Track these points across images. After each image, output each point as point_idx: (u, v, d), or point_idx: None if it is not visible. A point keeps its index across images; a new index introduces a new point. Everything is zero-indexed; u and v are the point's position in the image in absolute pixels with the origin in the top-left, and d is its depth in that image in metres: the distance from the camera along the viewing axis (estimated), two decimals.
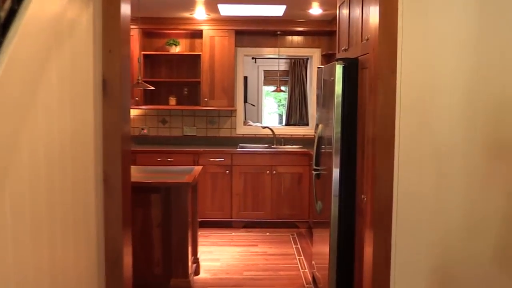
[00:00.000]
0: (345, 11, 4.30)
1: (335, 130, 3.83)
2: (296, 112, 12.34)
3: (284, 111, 14.03)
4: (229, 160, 6.79)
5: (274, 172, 6.76)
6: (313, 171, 4.57)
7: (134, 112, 7.38)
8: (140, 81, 4.99)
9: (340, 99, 3.80)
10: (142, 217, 4.51)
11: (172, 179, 4.59)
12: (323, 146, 4.44)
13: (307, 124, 12.18)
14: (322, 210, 4.41)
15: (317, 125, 4.70)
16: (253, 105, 12.80)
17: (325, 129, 4.33)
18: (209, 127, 7.46)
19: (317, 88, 4.88)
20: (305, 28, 7.04)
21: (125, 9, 3.04)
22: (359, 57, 3.69)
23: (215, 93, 7.03)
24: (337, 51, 4.70)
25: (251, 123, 11.59)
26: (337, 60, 3.86)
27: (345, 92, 3.80)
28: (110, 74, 2.78)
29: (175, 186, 4.41)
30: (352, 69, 3.77)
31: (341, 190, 3.89)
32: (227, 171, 6.77)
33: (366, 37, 3.28)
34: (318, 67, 4.77)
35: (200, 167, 5.28)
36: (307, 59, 12.21)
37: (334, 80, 3.83)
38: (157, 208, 4.50)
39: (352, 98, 3.76)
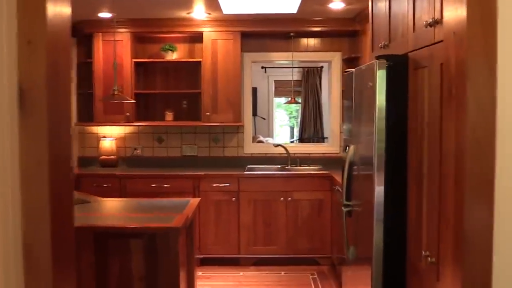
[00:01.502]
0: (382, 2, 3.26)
1: (376, 152, 2.78)
2: (310, 126, 11.31)
3: (295, 123, 13.00)
4: (236, 185, 5.73)
5: (289, 198, 5.70)
6: (343, 207, 3.49)
7: (125, 130, 6.37)
8: (116, 93, 3.97)
9: (383, 110, 2.75)
10: (120, 268, 3.46)
11: (158, 221, 3.51)
12: (355, 173, 3.37)
13: (322, 139, 11.18)
14: (356, 259, 3.33)
15: (346, 147, 3.63)
16: (264, 119, 11.79)
17: (359, 150, 3.27)
18: (213, 146, 6.42)
19: (344, 97, 3.83)
20: (323, 28, 6.00)
21: None
22: (410, 53, 2.64)
23: (219, 106, 5.99)
24: (371, 49, 3.64)
25: (261, 138, 10.56)
26: (378, 58, 2.80)
27: (390, 100, 2.75)
28: (30, 78, 1.73)
29: (161, 231, 3.35)
30: (398, 69, 2.71)
31: (386, 235, 2.82)
32: (234, 198, 5.72)
33: (432, 19, 2.21)
34: (346, 71, 3.73)
35: (197, 200, 4.23)
36: (321, 67, 11.25)
37: (374, 86, 2.78)
38: (139, 258, 3.45)
39: (400, 109, 2.70)
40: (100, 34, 5.97)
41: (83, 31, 5.99)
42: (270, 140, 10.76)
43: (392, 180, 2.78)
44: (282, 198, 5.69)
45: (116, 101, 4.15)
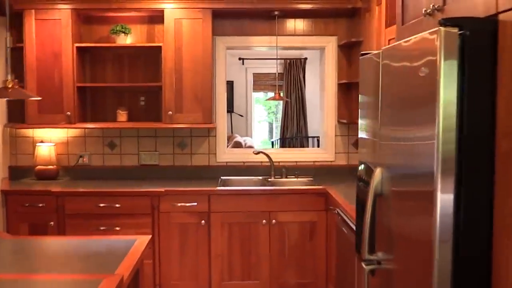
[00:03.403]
0: None
1: (440, 165, 1.62)
2: (292, 124, 10.13)
3: (274, 119, 11.80)
4: (206, 204, 4.51)
5: (274, 221, 4.50)
6: (363, 264, 2.28)
7: (67, 133, 5.08)
8: (11, 86, 2.67)
9: (452, 104, 1.60)
10: None
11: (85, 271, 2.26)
12: (384, 207, 2.17)
13: (306, 138, 10.01)
14: None
15: (363, 165, 2.43)
16: (241, 116, 10.59)
17: (394, 167, 2.07)
18: (178, 153, 5.17)
19: (363, 91, 2.63)
20: (315, 6, 4.78)
21: None
22: (501, 14, 1.46)
23: (184, 103, 4.75)
24: (400, 21, 2.45)
25: (238, 138, 9.34)
26: (443, 23, 1.60)
27: (465, 91, 1.58)
28: None
29: None
30: (478, 41, 1.53)
31: None
32: (203, 221, 4.50)
33: None
34: (368, 53, 2.53)
35: (146, 238, 2.98)
36: (305, 59, 10.06)
37: (435, 70, 1.59)
38: None
39: (479, 101, 1.54)
40: (33, 11, 4.67)
41: (12, 7, 4.68)
42: (248, 140, 9.56)
43: (467, 205, 1.64)
44: (264, 221, 4.49)
45: (11, 99, 2.82)
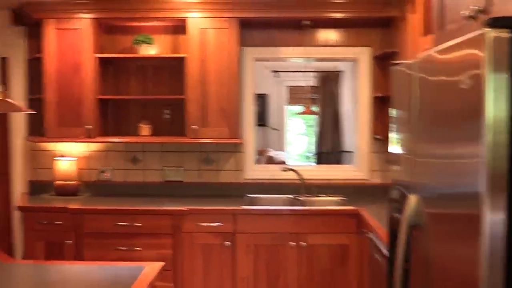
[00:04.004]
0: None
1: (490, 182, 1.30)
2: (328, 139, 9.78)
3: (312, 133, 11.45)
4: (231, 224, 4.23)
5: (303, 243, 4.18)
6: None
7: (89, 147, 4.89)
8: None
9: (501, 120, 1.28)
10: None
11: None
12: (419, 239, 1.85)
13: (339, 154, 9.62)
14: None
15: (398, 192, 2.11)
16: (277, 130, 10.30)
17: (431, 193, 1.76)
18: (203, 169, 4.92)
19: (395, 104, 2.32)
20: (348, 15, 4.48)
21: None
22: None
23: (209, 117, 4.50)
24: (438, 25, 2.14)
25: (271, 152, 9.07)
26: (491, 24, 1.29)
27: None
28: None
29: None
30: None
31: None
32: (228, 242, 4.22)
33: None
34: (400, 63, 2.22)
35: (157, 265, 2.71)
36: (339, 72, 9.71)
37: (479, 81, 1.28)
38: None
39: None
40: (53, 20, 4.51)
41: (32, 17, 4.54)
42: (281, 154, 9.26)
43: None
44: (292, 243, 4.18)
45: None
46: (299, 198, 4.72)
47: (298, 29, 4.73)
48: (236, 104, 4.52)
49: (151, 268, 2.63)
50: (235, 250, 4.23)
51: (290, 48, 4.83)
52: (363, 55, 4.80)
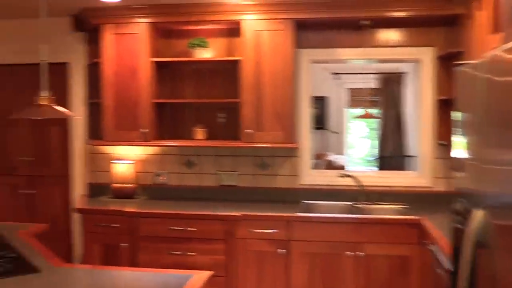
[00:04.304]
0: None
1: None
2: (390, 142, 9.47)
3: (374, 136, 11.15)
4: (285, 232, 4.12)
5: (361, 253, 4.01)
6: None
7: (145, 151, 4.91)
8: (45, 104, 2.39)
9: None
10: None
11: None
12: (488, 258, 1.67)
13: (402, 158, 9.29)
14: None
15: (462, 204, 1.94)
16: (336, 133, 10.10)
17: (500, 202, 1.59)
18: (258, 174, 4.83)
19: (459, 106, 2.14)
20: (409, 13, 4.28)
21: None
22: None
23: (264, 121, 4.41)
24: (509, 24, 1.95)
25: (330, 156, 8.89)
26: None
27: None
28: None
29: None
30: None
31: None
32: (282, 250, 4.11)
33: None
34: (464, 63, 2.05)
35: (205, 274, 2.63)
36: (401, 73, 9.39)
37: None
38: None
39: None
40: (111, 26, 4.55)
41: (90, 22, 4.61)
42: (341, 158, 9.05)
43: None
44: (350, 252, 4.02)
45: (42, 118, 2.54)
46: (357, 205, 4.54)
47: (356, 29, 4.56)
48: (292, 107, 4.41)
49: (199, 277, 2.56)
50: (290, 258, 4.11)
51: (348, 49, 4.66)
52: (426, 56, 4.57)
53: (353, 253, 4.02)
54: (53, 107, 2.34)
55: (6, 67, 5.15)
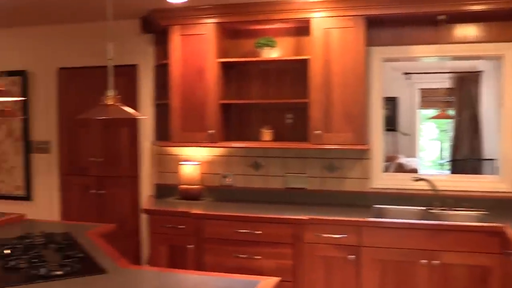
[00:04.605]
0: None
1: None
2: (464, 145, 9.04)
3: (446, 139, 10.71)
4: (356, 237, 3.95)
5: (436, 262, 3.78)
6: None
7: (212, 152, 4.87)
8: (112, 103, 2.35)
9: None
10: None
11: None
12: None
13: (477, 162, 8.84)
14: None
15: None
16: (407, 135, 9.76)
17: None
18: (327, 176, 4.68)
19: None
20: (489, 7, 4.00)
21: None
22: None
23: (334, 122, 4.26)
24: None
25: (402, 159, 8.58)
26: None
27: None
28: None
29: None
30: None
31: None
32: (352, 256, 3.94)
33: None
34: None
35: (272, 281, 2.52)
36: (479, 72, 8.94)
37: None
38: None
39: None
40: (178, 27, 4.54)
41: (158, 24, 4.61)
42: (413, 161, 8.72)
43: None
44: (424, 261, 3.80)
45: (110, 117, 2.48)
46: (432, 211, 4.31)
47: (432, 25, 4.32)
48: (362, 108, 4.23)
49: (266, 283, 2.46)
50: (360, 265, 3.94)
51: (423, 47, 4.42)
52: (509, 51, 4.27)
53: (427, 261, 3.80)
54: (119, 107, 2.31)
55: (77, 70, 5.27)
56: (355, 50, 4.19)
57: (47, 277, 2.52)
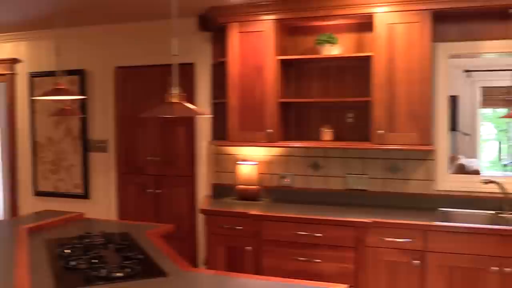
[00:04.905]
0: None
1: None
2: None
3: (505, 139, 10.25)
4: (421, 242, 3.78)
5: (508, 269, 3.57)
6: None
7: (269, 152, 4.78)
8: (176, 101, 2.24)
9: None
10: None
11: None
12: None
13: None
14: None
15: None
16: (468, 135, 9.39)
17: None
18: (389, 178, 4.51)
19: None
20: None
21: None
22: None
23: (398, 121, 4.09)
24: None
25: (462, 159, 8.26)
26: None
27: None
28: None
29: None
30: None
31: None
32: (417, 261, 3.77)
33: None
34: None
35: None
36: None
37: None
38: None
39: None
40: (236, 24, 4.47)
41: (216, 21, 4.56)
42: (474, 162, 8.38)
43: None
44: (495, 268, 3.59)
45: (175, 116, 2.38)
46: (502, 215, 4.08)
47: (503, 18, 4.08)
48: (428, 107, 4.04)
49: None
50: (425, 271, 3.76)
51: (493, 42, 4.19)
52: None
53: (498, 268, 3.58)
54: (185, 105, 2.23)
55: (133, 69, 5.29)
56: (420, 46, 4.00)
57: (107, 279, 2.50)
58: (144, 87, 5.23)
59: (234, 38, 4.47)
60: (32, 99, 5.75)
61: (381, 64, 4.08)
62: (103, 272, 2.55)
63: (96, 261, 2.76)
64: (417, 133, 4.05)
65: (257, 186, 4.72)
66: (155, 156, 5.26)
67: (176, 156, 5.19)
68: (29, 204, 5.79)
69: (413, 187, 4.42)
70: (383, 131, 4.10)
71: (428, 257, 3.75)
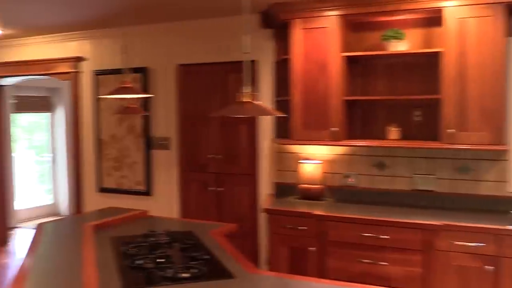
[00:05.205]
0: None
1: None
2: None
3: None
4: (494, 247, 3.60)
5: None
6: None
7: (333, 151, 4.68)
8: (248, 101, 2.16)
9: None
10: None
11: None
12: None
13: None
14: None
15: None
16: None
17: None
18: (459, 179, 4.32)
19: None
20: None
21: None
22: None
23: (469, 119, 3.91)
24: None
25: None
26: None
27: None
28: None
29: None
30: None
31: None
32: (490, 267, 3.60)
33: None
34: None
35: None
36: None
37: None
38: None
39: None
40: (299, 20, 4.40)
41: (279, 18, 4.50)
42: None
43: None
44: None
45: (246, 116, 2.28)
46: None
47: None
48: (502, 104, 3.84)
49: None
50: (499, 278, 3.58)
51: None
52: None
53: None
54: (257, 105, 2.17)
55: (195, 66, 5.30)
56: (493, 41, 3.80)
57: (174, 279, 2.49)
58: (206, 85, 5.24)
59: (298, 35, 4.40)
60: (98, 98, 5.87)
61: (452, 59, 3.91)
62: (170, 272, 2.55)
63: (163, 260, 2.77)
64: (489, 132, 3.86)
65: (321, 186, 4.64)
66: (217, 154, 5.26)
67: (238, 154, 5.17)
68: (93, 201, 5.93)
69: (485, 188, 4.22)
70: (453, 130, 3.93)
71: (503, 263, 3.58)
